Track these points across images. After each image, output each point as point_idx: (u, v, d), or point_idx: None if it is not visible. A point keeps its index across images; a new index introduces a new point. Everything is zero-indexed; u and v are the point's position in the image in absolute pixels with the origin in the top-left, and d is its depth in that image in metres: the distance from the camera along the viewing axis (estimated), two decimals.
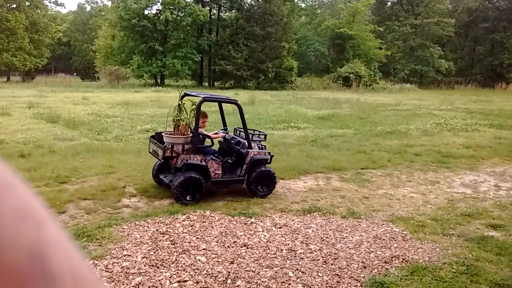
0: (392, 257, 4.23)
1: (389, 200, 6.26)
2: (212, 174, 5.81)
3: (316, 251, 4.30)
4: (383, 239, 4.70)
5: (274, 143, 9.85)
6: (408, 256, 4.27)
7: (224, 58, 36.53)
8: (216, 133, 6.53)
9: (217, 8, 40.95)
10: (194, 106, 5.84)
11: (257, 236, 4.58)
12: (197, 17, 36.28)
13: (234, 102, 6.22)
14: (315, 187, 6.75)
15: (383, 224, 5.20)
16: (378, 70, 43.89)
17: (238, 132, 6.69)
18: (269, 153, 6.40)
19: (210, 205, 5.65)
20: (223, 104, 6.71)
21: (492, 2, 47.96)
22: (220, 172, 5.89)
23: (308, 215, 5.41)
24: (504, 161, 9.44)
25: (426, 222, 5.30)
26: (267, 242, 4.46)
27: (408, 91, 39.01)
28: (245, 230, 4.73)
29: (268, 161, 6.32)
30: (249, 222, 4.98)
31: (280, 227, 4.89)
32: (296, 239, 4.58)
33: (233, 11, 40.79)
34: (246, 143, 6.10)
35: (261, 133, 6.74)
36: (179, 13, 36.63)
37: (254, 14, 37.23)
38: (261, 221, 5.05)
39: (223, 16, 41.95)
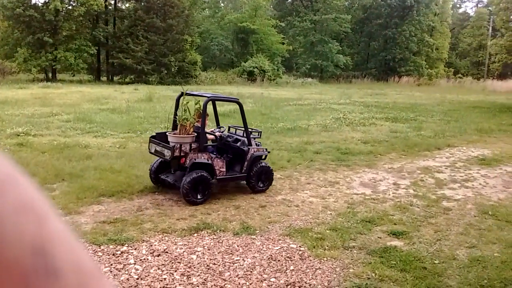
0: (287, 285, 3.62)
1: (287, 208, 5.72)
2: (218, 171, 5.92)
3: (198, 286, 3.55)
4: (279, 260, 4.09)
5: None
6: (306, 282, 3.70)
7: (123, 51, 34.34)
8: (212, 131, 6.57)
9: None
10: (198, 106, 6.06)
11: (127, 272, 3.71)
12: (90, 6, 33.61)
13: (235, 100, 6.58)
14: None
15: (279, 240, 4.60)
16: (281, 64, 44.37)
17: (234, 130, 6.92)
18: (266, 149, 6.75)
19: (75, 230, 4.63)
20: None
21: (384, 0, 50.75)
22: (224, 169, 6.01)
23: (195, 234, 4.64)
24: (401, 156, 9.47)
25: (326, 234, 4.81)
26: (138, 279, 3.60)
27: (310, 85, 39.88)
28: (112, 264, 3.82)
29: (263, 157, 6.56)
30: (119, 252, 4.08)
31: (158, 255, 4.06)
32: (176, 271, 3.78)
33: (131, 1, 38.56)
34: (246, 140, 6.30)
35: (254, 130, 6.82)
36: (70, 2, 33.71)
37: (153, 5, 35.44)
38: (135, 249, 4.18)
39: (120, 7, 39.50)
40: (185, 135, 5.74)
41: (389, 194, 6.62)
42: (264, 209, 5.62)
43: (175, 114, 6.20)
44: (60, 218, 0.32)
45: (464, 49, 62.57)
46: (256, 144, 6.48)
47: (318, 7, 48.46)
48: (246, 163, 6.19)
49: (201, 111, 5.95)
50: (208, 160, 5.79)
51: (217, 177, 5.92)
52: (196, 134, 5.83)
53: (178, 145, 5.60)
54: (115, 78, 37.78)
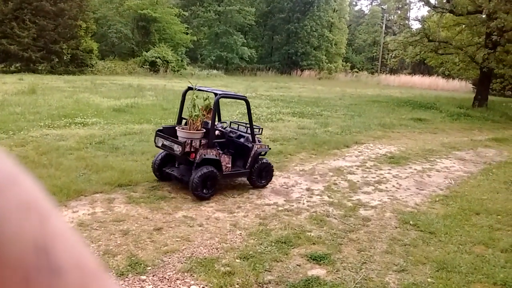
0: None
1: (189, 229, 4.75)
2: (224, 167, 6.00)
3: None
4: None
5: (44, 149, 7.44)
6: None
7: (7, 36, 30.38)
8: (216, 126, 6.44)
9: None
10: (207, 102, 6.18)
11: None
12: None
13: (243, 98, 6.62)
14: (88, 219, 4.81)
15: (177, 280, 3.63)
16: (185, 55, 42.92)
17: (237, 126, 6.97)
18: (268, 145, 6.92)
19: None
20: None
21: None
22: (230, 165, 6.09)
23: None
24: (311, 155, 8.95)
25: (235, 265, 3.93)
26: None
27: (215, 77, 38.99)
28: None
29: (263, 153, 6.67)
30: None
31: None
32: None
33: None
34: (250, 137, 6.38)
35: (255, 126, 6.72)
36: None
37: None
38: None
39: None
40: (195, 131, 5.88)
41: (304, 203, 5.95)
42: (159, 232, 4.59)
43: (181, 109, 6.46)
44: (62, 217, 0.32)
45: (360, 45, 65.98)
46: (258, 140, 6.55)
47: None
48: (250, 159, 6.29)
49: (211, 107, 6.04)
50: (216, 156, 5.90)
51: (224, 173, 6.01)
52: (204, 130, 5.96)
53: (189, 141, 5.69)
54: None
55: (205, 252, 4.18)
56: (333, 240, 4.67)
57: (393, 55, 25.75)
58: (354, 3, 75.51)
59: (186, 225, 4.84)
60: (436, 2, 23.11)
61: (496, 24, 17.39)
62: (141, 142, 8.77)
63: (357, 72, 55.72)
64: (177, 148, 5.74)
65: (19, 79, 21.69)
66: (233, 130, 6.81)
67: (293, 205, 5.83)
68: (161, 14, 41.47)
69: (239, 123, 7.05)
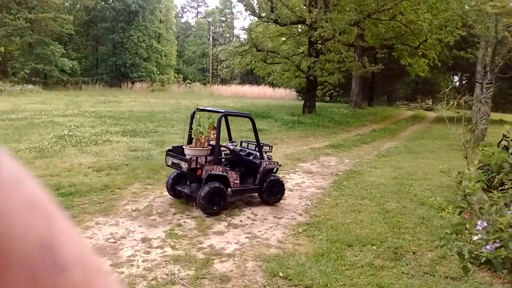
0: None
1: None
2: (232, 183, 6.18)
3: None
4: None
5: None
6: None
7: None
8: (225, 145, 6.74)
9: None
10: (212, 121, 6.33)
11: None
12: None
13: (247, 116, 6.77)
14: None
15: None
16: None
17: (246, 145, 7.12)
18: (277, 162, 6.95)
19: None
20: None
21: (109, 3, 48.03)
22: (238, 181, 6.25)
23: None
24: (147, 187, 7.26)
25: None
26: None
27: (31, 93, 33.87)
28: None
29: (275, 170, 6.76)
30: None
31: None
32: None
33: None
34: (258, 154, 6.53)
35: (265, 144, 6.87)
36: None
37: None
38: None
39: None
40: (201, 148, 6.04)
41: (139, 265, 4.30)
42: None
43: (190, 129, 6.46)
44: (66, 215, 0.33)
45: (190, 57, 66.07)
46: (267, 157, 6.67)
47: (34, 5, 42.15)
48: (258, 175, 6.41)
49: (215, 126, 6.15)
50: (223, 172, 6.05)
51: (232, 189, 6.20)
52: (211, 147, 6.10)
53: (194, 158, 5.89)
54: None
55: None
56: None
57: (225, 66, 25.43)
58: (180, 15, 75.34)
59: None
60: (260, 13, 23.39)
61: (319, 33, 18.06)
62: None
63: (190, 83, 55.37)
64: (184, 165, 5.94)
65: None
66: (243, 148, 6.94)
67: (123, 271, 4.14)
68: None
69: (249, 142, 7.16)
